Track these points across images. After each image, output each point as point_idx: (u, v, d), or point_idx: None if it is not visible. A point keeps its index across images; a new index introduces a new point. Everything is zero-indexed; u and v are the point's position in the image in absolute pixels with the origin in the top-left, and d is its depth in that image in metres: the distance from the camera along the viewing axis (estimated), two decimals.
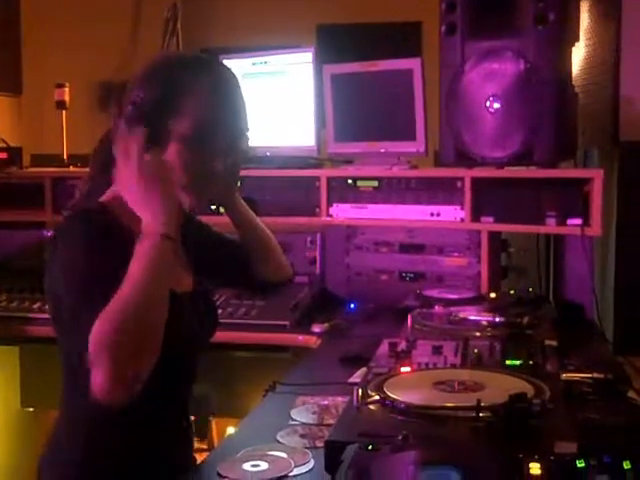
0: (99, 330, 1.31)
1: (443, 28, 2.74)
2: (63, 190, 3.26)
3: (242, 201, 1.93)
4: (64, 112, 3.52)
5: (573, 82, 2.89)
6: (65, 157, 3.51)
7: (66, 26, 4.45)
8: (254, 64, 3.27)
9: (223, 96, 1.54)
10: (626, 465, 1.13)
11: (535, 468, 1.18)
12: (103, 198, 1.57)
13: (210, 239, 1.92)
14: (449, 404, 1.47)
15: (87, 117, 4.20)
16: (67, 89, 3.52)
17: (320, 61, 3.15)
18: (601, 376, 1.72)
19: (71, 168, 3.41)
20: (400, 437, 1.30)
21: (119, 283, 1.36)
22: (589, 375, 1.73)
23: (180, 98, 1.49)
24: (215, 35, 4.35)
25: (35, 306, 2.91)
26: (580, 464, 1.15)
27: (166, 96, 1.49)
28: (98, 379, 1.29)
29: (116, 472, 1.56)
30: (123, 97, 1.53)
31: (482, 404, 1.40)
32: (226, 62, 3.27)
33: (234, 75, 1.60)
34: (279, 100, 3.16)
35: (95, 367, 1.30)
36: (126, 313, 1.32)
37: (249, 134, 1.60)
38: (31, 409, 3.25)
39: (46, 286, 1.54)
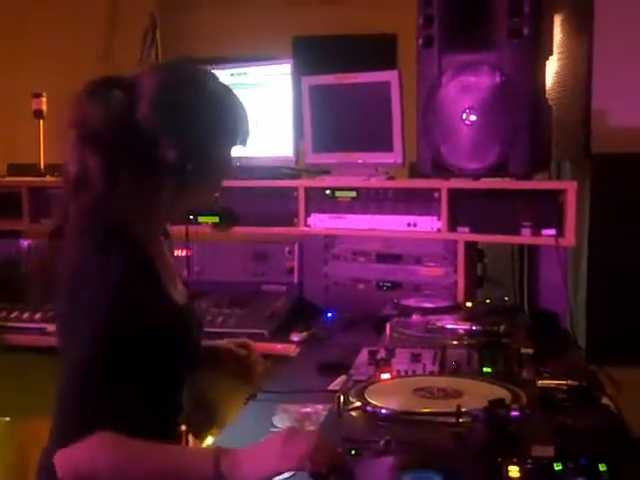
0: (110, 466, 1.34)
1: (420, 41, 2.78)
2: (40, 199, 3.27)
3: None
4: (41, 121, 3.52)
5: (547, 95, 2.94)
6: (42, 166, 3.50)
7: (41, 35, 4.43)
8: (232, 75, 3.29)
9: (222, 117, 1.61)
10: (602, 467, 1.16)
11: (514, 471, 1.22)
12: (123, 219, 1.54)
13: None
14: (429, 410, 1.50)
15: (63, 127, 4.19)
16: (44, 99, 3.52)
17: (298, 73, 3.19)
18: (575, 383, 1.77)
19: (48, 177, 3.41)
20: (382, 442, 1.32)
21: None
22: (564, 382, 1.78)
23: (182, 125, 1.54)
24: (194, 46, 4.35)
25: (12, 315, 2.90)
26: (557, 467, 1.19)
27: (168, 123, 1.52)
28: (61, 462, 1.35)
29: None
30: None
31: (462, 410, 1.43)
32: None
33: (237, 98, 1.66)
34: (257, 111, 3.18)
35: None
36: None
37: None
38: (7, 418, 3.23)
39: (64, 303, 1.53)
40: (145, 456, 1.37)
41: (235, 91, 1.65)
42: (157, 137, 1.51)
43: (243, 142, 1.66)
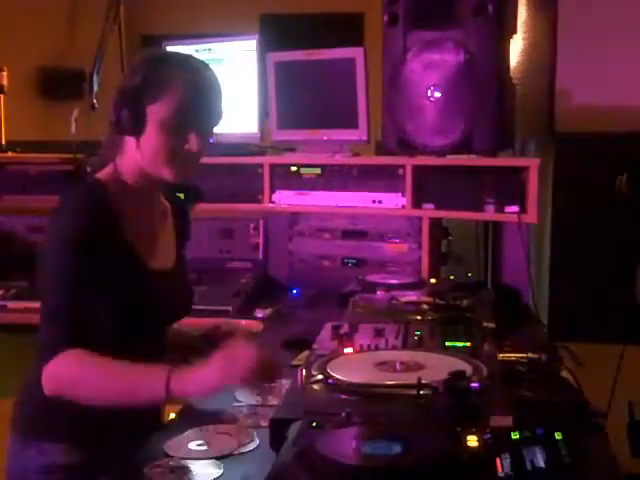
0: (72, 378, 1.58)
1: (385, 18, 2.78)
2: (2, 175, 3.22)
3: None
4: (2, 97, 3.46)
5: (511, 74, 2.96)
6: (3, 142, 3.45)
7: (2, 9, 4.36)
8: (197, 51, 3.26)
9: (199, 90, 1.70)
10: (558, 436, 1.18)
11: (472, 440, 1.23)
12: (102, 174, 1.75)
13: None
14: (391, 382, 1.52)
15: (24, 103, 4.13)
16: (5, 73, 3.46)
17: (264, 49, 3.17)
18: (535, 356, 1.79)
19: (9, 154, 3.36)
20: (344, 414, 1.33)
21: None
22: (524, 355, 1.80)
23: (160, 87, 1.66)
24: (158, 22, 4.31)
25: None
26: (515, 436, 1.21)
27: (147, 84, 1.66)
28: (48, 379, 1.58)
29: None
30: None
31: (423, 382, 1.45)
32: (169, 49, 3.32)
33: (214, 74, 1.75)
34: (223, 87, 3.15)
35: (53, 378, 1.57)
36: (96, 394, 1.59)
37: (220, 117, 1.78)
38: None
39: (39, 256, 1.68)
40: (102, 372, 1.57)
41: None
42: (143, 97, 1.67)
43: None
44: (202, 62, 1.75)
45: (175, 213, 1.94)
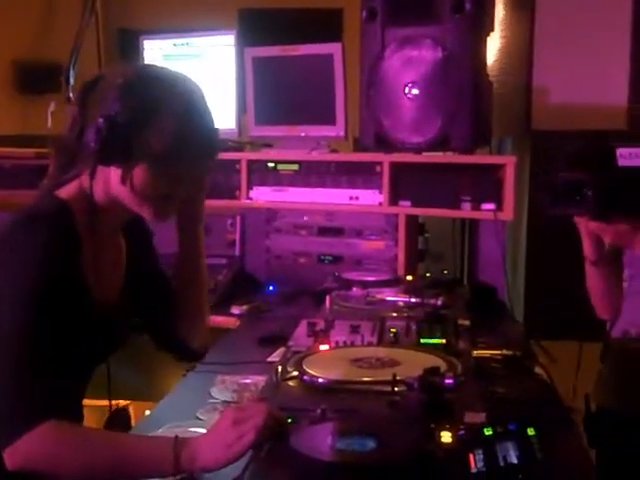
0: (55, 452, 1.31)
1: (364, 14, 2.78)
2: None
3: (203, 239, 1.81)
4: None
5: (489, 71, 2.97)
6: None
7: None
8: (175, 45, 3.25)
9: (196, 114, 1.48)
10: (530, 432, 1.19)
11: (446, 436, 1.24)
12: (65, 193, 1.51)
13: (149, 261, 1.77)
14: (366, 379, 1.52)
15: (0, 96, 4.10)
16: None
17: (242, 44, 3.16)
18: (509, 353, 1.81)
19: None
20: (318, 410, 1.33)
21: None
22: (498, 352, 1.82)
23: (155, 115, 1.44)
24: (136, 16, 4.28)
25: None
26: (488, 432, 1.21)
27: (141, 112, 1.43)
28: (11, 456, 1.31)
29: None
30: (88, 101, 1.49)
31: (397, 378, 1.45)
32: (147, 43, 3.32)
33: (202, 91, 1.53)
34: (200, 82, 3.14)
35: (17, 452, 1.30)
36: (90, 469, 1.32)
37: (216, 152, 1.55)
38: None
39: None
40: (101, 444, 1.35)
41: (177, 62, 1.58)
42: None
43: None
44: (195, 83, 1.52)
45: (128, 233, 1.68)
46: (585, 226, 2.06)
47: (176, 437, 1.32)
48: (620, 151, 1.94)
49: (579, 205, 1.95)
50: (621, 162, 1.94)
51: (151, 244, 1.77)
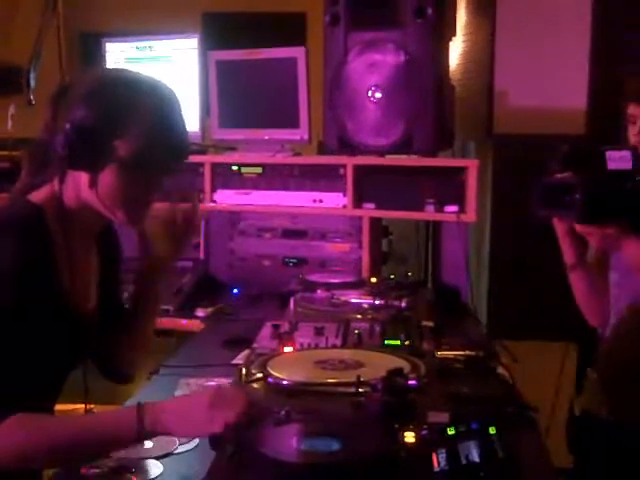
0: (22, 440, 1.32)
1: (327, 18, 2.79)
2: None
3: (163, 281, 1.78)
4: None
5: (452, 76, 3.00)
6: None
7: None
8: (138, 49, 3.24)
9: (165, 118, 1.47)
10: (492, 430, 1.21)
11: (409, 437, 1.25)
12: (37, 197, 1.49)
13: (111, 284, 1.74)
14: (330, 380, 1.53)
15: None
16: None
17: (205, 48, 3.16)
18: (472, 354, 1.83)
19: None
20: (283, 412, 1.34)
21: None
22: (462, 353, 1.84)
23: (123, 119, 1.43)
24: (98, 18, 4.25)
25: None
26: (450, 431, 1.23)
27: (108, 117, 1.42)
28: None
29: None
30: (59, 107, 1.47)
31: (361, 380, 1.46)
32: (109, 46, 3.30)
33: (174, 94, 1.51)
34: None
35: None
36: (57, 451, 1.33)
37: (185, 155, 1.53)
38: None
39: None
40: (63, 422, 1.38)
41: (140, 65, 1.56)
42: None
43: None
44: (166, 87, 1.50)
45: (101, 245, 1.66)
46: (564, 229, 2.08)
47: (139, 403, 1.35)
48: (610, 154, 1.95)
49: (568, 207, 1.93)
50: (610, 165, 1.95)
51: (119, 266, 1.76)
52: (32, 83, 3.27)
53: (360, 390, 1.45)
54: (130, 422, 1.33)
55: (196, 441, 1.55)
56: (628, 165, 1.91)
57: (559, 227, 2.08)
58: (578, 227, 1.99)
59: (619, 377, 2.09)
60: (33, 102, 3.25)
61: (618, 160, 1.92)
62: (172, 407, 1.36)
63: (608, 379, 2.13)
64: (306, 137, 2.94)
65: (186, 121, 1.51)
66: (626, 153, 1.92)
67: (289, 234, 3.02)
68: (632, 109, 2.06)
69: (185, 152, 1.53)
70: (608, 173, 1.91)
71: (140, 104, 1.44)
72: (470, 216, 2.70)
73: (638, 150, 1.96)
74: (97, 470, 1.43)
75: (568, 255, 2.14)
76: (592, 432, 2.06)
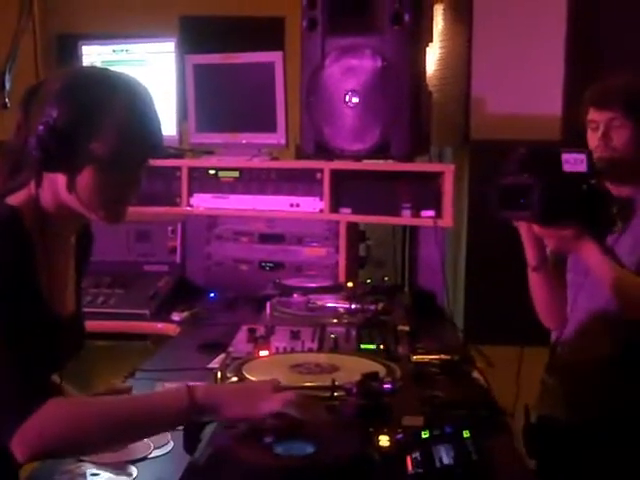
0: (66, 418, 1.29)
1: (304, 23, 2.80)
2: None
3: None
4: None
5: (429, 82, 3.01)
6: None
7: None
8: (115, 52, 3.23)
9: (139, 114, 1.45)
10: (466, 434, 1.21)
11: (384, 440, 1.26)
12: (15, 201, 1.47)
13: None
14: (305, 384, 1.53)
15: None
16: None
17: (183, 52, 3.15)
18: (448, 358, 1.84)
19: None
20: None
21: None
22: (437, 357, 1.84)
23: (97, 119, 1.41)
24: (75, 20, 4.23)
25: None
26: (425, 435, 1.23)
27: (82, 117, 1.40)
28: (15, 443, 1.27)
29: None
30: (31, 107, 1.45)
31: (336, 384, 1.46)
32: (85, 48, 3.28)
33: (147, 90, 1.49)
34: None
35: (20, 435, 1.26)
36: (101, 432, 1.31)
37: (162, 149, 1.52)
38: None
39: None
40: (111, 403, 1.37)
41: (116, 68, 1.53)
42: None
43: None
44: (139, 83, 1.48)
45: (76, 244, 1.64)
46: (527, 230, 2.09)
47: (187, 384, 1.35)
48: (565, 156, 1.98)
49: (525, 209, 1.98)
50: (566, 167, 1.98)
51: (85, 270, 1.72)
52: (7, 85, 3.24)
53: (335, 394, 1.45)
54: (181, 397, 1.32)
55: (171, 445, 1.54)
56: (583, 168, 1.96)
57: (522, 228, 2.11)
58: (536, 229, 2.03)
59: (579, 381, 2.10)
60: (8, 105, 3.23)
61: (574, 163, 1.96)
62: (228, 386, 1.45)
63: (567, 383, 2.15)
64: (283, 141, 2.95)
65: (160, 115, 1.48)
66: (581, 156, 1.96)
67: (266, 238, 3.01)
68: (592, 114, 2.09)
69: (161, 146, 1.51)
70: (564, 175, 1.95)
71: (113, 101, 1.42)
72: (446, 221, 2.71)
73: (594, 153, 2.00)
74: (69, 475, 1.42)
75: (531, 256, 2.17)
76: (551, 436, 2.08)
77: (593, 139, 2.08)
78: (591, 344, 2.09)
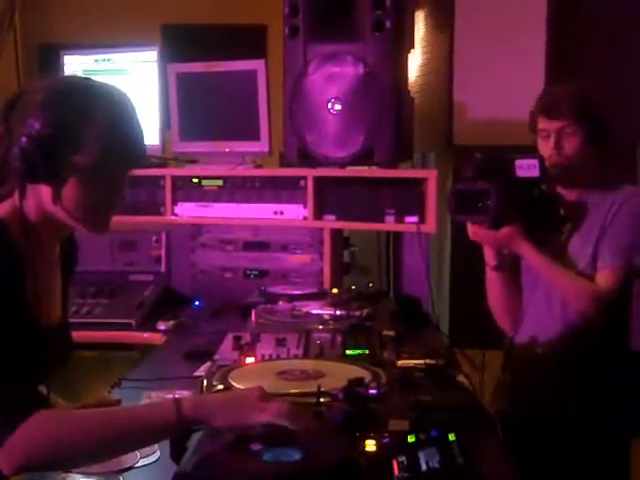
0: (56, 428, 1.29)
1: (286, 31, 2.81)
2: None
3: None
4: None
5: (411, 88, 3.03)
6: None
7: None
8: (97, 61, 3.23)
9: (122, 122, 1.45)
10: (451, 437, 1.22)
11: (370, 445, 1.27)
12: (0, 212, 1.46)
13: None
14: (291, 391, 1.53)
15: None
16: None
17: (165, 60, 3.15)
18: (433, 362, 1.85)
19: None
20: None
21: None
22: (422, 361, 1.85)
23: (80, 130, 1.40)
24: (56, 30, 4.21)
25: None
26: (411, 439, 1.24)
27: (65, 128, 1.40)
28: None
29: None
30: (12, 118, 1.43)
31: (322, 390, 1.47)
32: (67, 58, 3.28)
33: (130, 99, 1.49)
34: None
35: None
36: (93, 442, 1.30)
37: (145, 157, 1.52)
38: None
39: None
40: (97, 414, 1.36)
41: (99, 77, 1.53)
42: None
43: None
44: (121, 92, 1.48)
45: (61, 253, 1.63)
46: (474, 233, 2.16)
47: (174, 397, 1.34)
48: (519, 162, 2.07)
49: (480, 213, 2.08)
50: (519, 173, 2.07)
51: (70, 279, 1.71)
52: None
53: (321, 400, 1.46)
54: (168, 409, 1.31)
55: (157, 454, 1.54)
56: (536, 172, 2.04)
57: (471, 230, 2.21)
58: (470, 233, 2.12)
59: (531, 377, 2.20)
60: None
61: (527, 168, 2.06)
62: (215, 396, 1.41)
63: (520, 379, 2.24)
64: (267, 149, 2.95)
65: (143, 124, 1.48)
66: (534, 161, 2.06)
67: (250, 246, 3.02)
68: (543, 124, 2.16)
69: (144, 155, 1.51)
70: (517, 181, 2.04)
71: (96, 112, 1.42)
72: (430, 226, 2.72)
73: (546, 161, 2.08)
74: None
75: (490, 256, 2.25)
76: (504, 431, 2.11)
77: (545, 147, 2.16)
78: (543, 342, 2.19)
